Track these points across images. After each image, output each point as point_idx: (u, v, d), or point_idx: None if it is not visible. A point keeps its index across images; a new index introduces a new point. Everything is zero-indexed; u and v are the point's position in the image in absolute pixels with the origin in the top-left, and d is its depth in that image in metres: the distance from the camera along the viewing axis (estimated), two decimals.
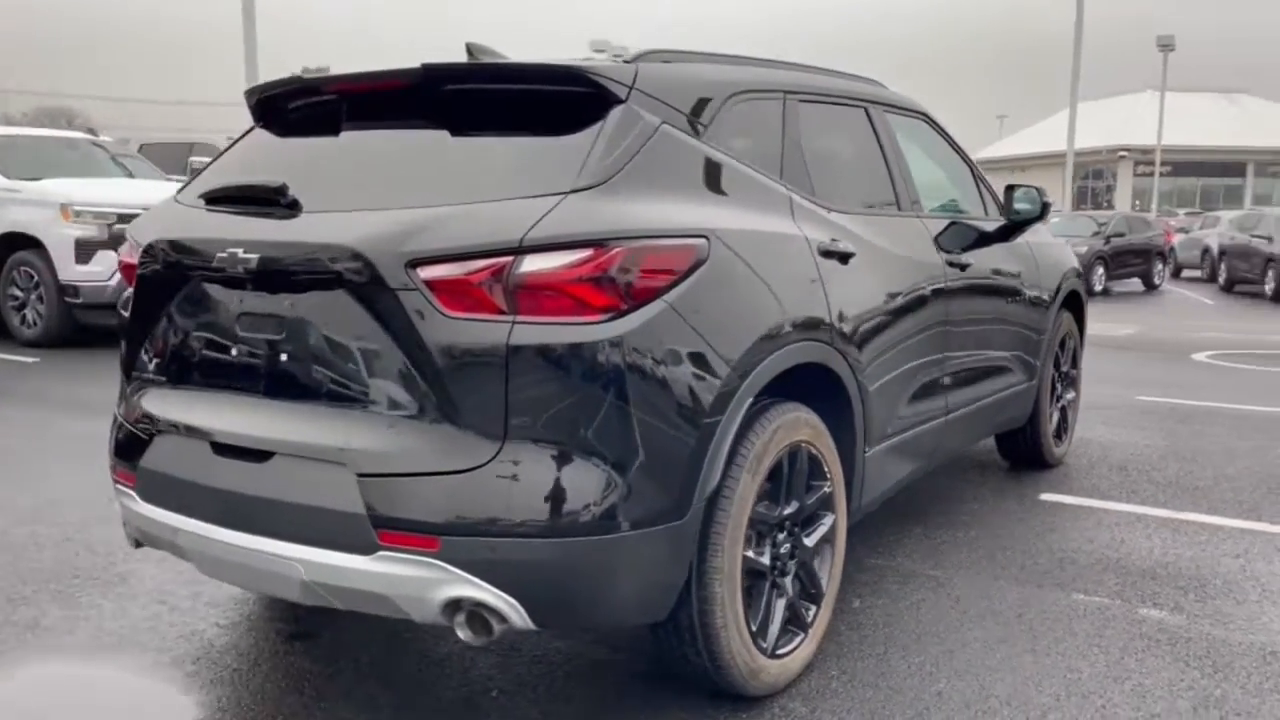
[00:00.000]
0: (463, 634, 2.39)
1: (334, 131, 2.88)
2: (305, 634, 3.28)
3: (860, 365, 3.18)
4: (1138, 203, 48.19)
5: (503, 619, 2.34)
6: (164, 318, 2.79)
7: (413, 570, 2.33)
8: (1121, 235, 20.22)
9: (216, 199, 2.83)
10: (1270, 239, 18.41)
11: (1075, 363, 5.61)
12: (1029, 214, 4.45)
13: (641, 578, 2.46)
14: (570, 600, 2.41)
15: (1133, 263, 20.50)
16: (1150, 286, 21.00)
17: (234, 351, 2.63)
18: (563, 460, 2.33)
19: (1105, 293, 19.40)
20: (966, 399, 4.16)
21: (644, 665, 3.06)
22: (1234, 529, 4.47)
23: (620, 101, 2.58)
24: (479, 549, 2.30)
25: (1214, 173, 54.56)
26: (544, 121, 2.64)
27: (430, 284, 2.33)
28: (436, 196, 2.51)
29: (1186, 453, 5.88)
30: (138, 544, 2.95)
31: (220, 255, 2.58)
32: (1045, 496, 4.92)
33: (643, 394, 2.38)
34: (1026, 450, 5.26)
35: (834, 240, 3.16)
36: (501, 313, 2.31)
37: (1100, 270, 19.26)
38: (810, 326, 2.91)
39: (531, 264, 2.30)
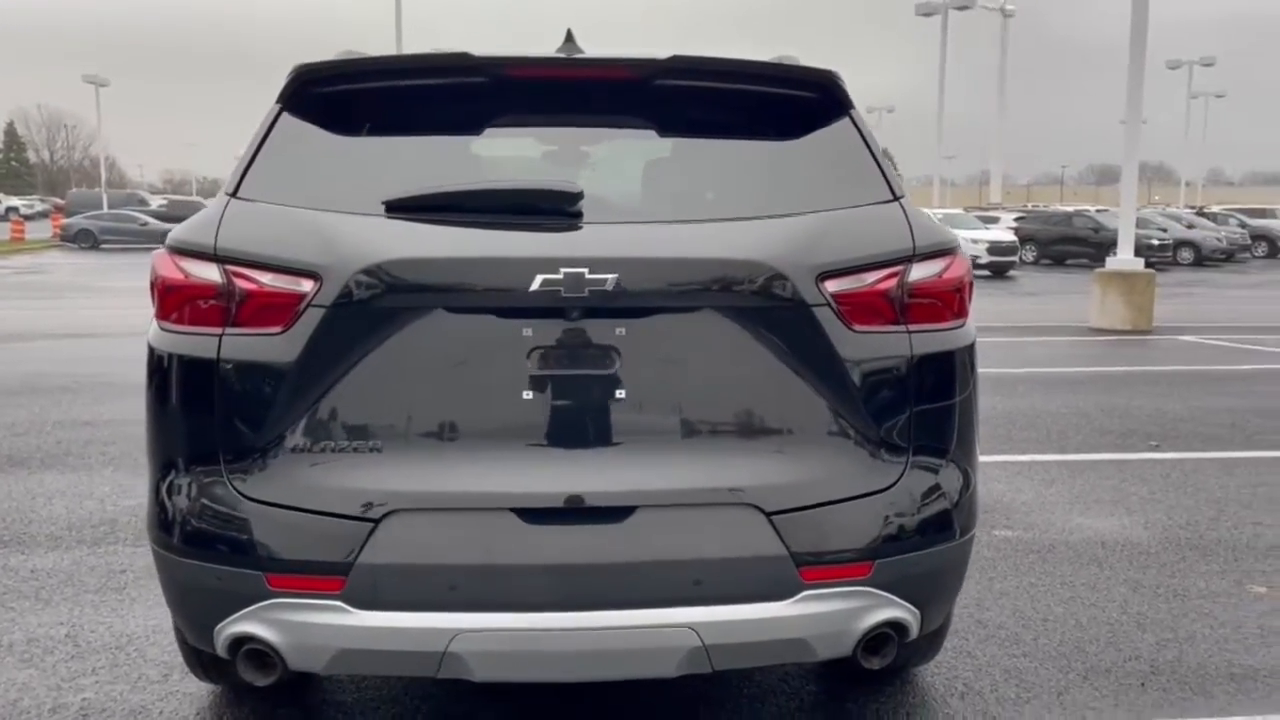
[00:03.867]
0: (867, 662, 2.35)
1: (507, 125, 2.50)
2: None
3: None
4: None
5: (905, 635, 2.34)
6: (376, 364, 2.19)
7: (839, 604, 2.23)
8: None
9: (421, 206, 2.23)
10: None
11: None
12: None
13: None
14: (946, 603, 2.52)
15: None
16: None
17: (526, 395, 2.18)
18: (951, 465, 2.39)
19: None
20: None
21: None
22: (992, 462, 5.77)
23: (852, 107, 2.50)
24: (905, 566, 2.28)
25: None
26: (789, 124, 2.49)
27: (837, 297, 2.25)
28: (733, 204, 2.36)
29: None
30: (274, 675, 2.25)
31: (546, 278, 2.13)
32: None
33: (977, 397, 2.50)
34: None
35: None
36: (897, 323, 2.30)
37: None
38: None
39: (919, 271, 2.32)
